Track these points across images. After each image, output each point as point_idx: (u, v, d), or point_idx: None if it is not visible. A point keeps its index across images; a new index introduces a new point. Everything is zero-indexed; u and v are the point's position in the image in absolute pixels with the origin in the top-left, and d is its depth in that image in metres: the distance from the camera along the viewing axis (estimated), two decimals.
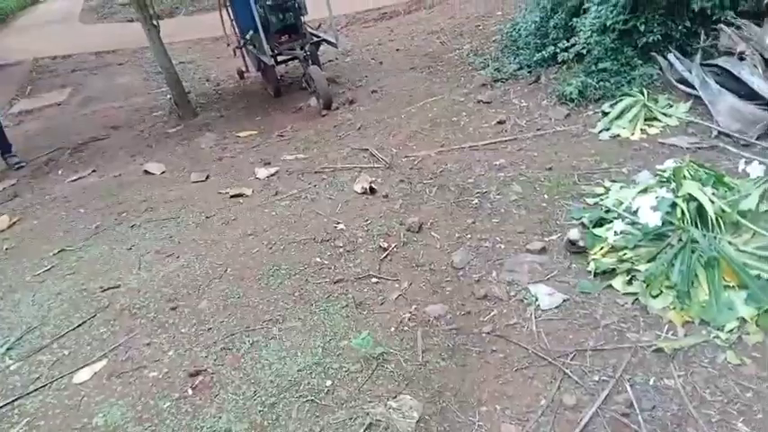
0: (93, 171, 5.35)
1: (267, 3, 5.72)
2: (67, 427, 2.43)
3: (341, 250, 3.34)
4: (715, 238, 2.50)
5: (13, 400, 2.61)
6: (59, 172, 5.58)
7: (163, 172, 4.96)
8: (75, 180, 5.23)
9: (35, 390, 2.66)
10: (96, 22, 14.76)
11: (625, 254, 2.66)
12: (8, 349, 2.93)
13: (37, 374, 2.75)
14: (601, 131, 3.98)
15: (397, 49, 7.33)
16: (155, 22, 6.11)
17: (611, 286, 2.61)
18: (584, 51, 4.49)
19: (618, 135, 3.87)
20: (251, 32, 5.97)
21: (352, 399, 2.34)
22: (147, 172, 4.98)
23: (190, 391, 2.51)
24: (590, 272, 2.72)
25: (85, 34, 13.36)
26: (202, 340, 2.80)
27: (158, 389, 2.55)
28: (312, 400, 2.36)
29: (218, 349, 2.72)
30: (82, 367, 2.75)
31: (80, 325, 3.05)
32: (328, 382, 2.43)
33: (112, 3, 15.80)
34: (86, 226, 4.17)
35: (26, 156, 6.05)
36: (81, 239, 3.98)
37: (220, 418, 2.34)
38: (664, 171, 3.06)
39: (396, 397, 2.31)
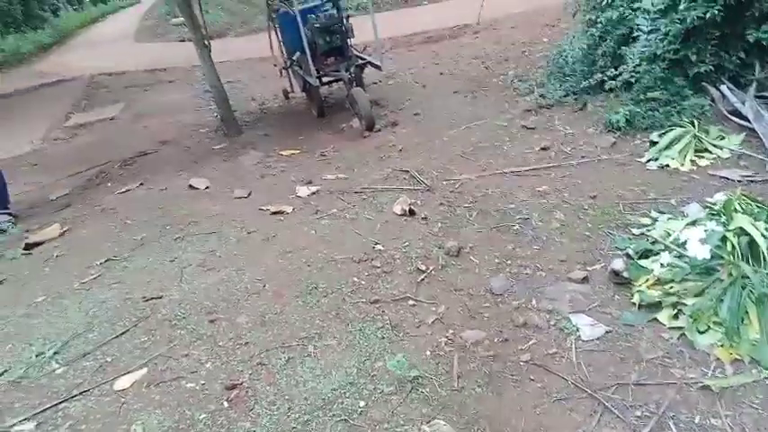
0: (141, 184, 5.52)
1: (315, 26, 5.86)
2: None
3: (378, 271, 3.34)
4: (767, 274, 2.40)
5: (58, 403, 2.68)
6: (109, 184, 5.79)
7: (207, 187, 5.08)
8: (123, 192, 5.40)
9: (79, 394, 2.72)
10: (151, 41, 15.37)
11: (671, 287, 2.58)
12: (55, 353, 3.02)
13: (80, 379, 2.82)
14: (648, 161, 3.90)
15: (441, 73, 7.38)
16: (206, 42, 6.33)
17: (655, 320, 2.53)
18: (633, 80, 4.43)
19: (666, 165, 3.79)
20: (298, 54, 6.12)
21: (385, 421, 2.31)
22: (191, 186, 5.11)
23: (225, 404, 2.53)
24: (634, 304, 2.65)
25: (140, 52, 13.94)
26: (239, 354, 2.83)
27: (195, 400, 2.58)
28: (345, 420, 2.34)
29: (255, 364, 2.74)
30: (123, 375, 2.80)
31: (123, 333, 3.12)
32: (362, 403, 2.41)
33: (167, 23, 16.45)
34: (132, 237, 4.29)
35: (79, 167, 6.30)
36: (127, 250, 4.09)
37: (255, 430, 2.35)
38: (714, 204, 2.97)
39: (429, 422, 2.28)
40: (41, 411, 2.64)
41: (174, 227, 4.36)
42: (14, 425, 2.59)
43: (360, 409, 2.38)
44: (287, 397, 2.51)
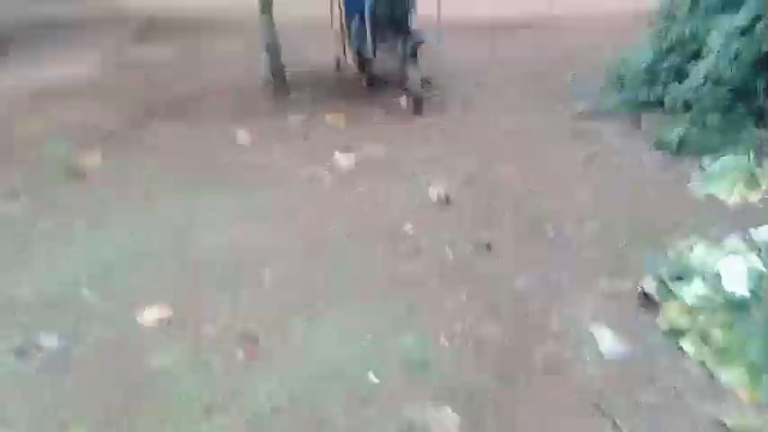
0: (187, 128, 5.59)
1: None
2: (125, 362, 2.57)
3: (404, 251, 3.36)
4: None
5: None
6: (156, 122, 5.86)
7: (250, 141, 5.13)
8: (168, 132, 5.48)
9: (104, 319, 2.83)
10: None
11: (701, 316, 2.54)
12: (87, 279, 3.12)
13: (108, 306, 2.92)
14: (696, 186, 3.81)
15: (498, 63, 7.26)
16: None
17: (680, 347, 2.50)
18: (693, 100, 4.31)
19: (714, 194, 3.70)
20: (356, 18, 6.06)
21: (392, 398, 2.34)
22: (234, 138, 5.15)
23: (240, 355, 2.59)
24: (660, 327, 2.61)
25: None
26: (260, 308, 2.89)
27: (212, 344, 2.65)
28: (353, 389, 2.38)
29: (274, 319, 2.80)
30: (148, 308, 2.89)
31: (154, 269, 3.21)
32: (372, 379, 2.44)
33: None
34: (172, 177, 4.36)
35: (128, 100, 6.40)
36: (166, 189, 4.16)
37: (264, 383, 2.41)
38: (756, 239, 2.89)
39: (436, 406, 2.31)
40: (66, 330, 2.74)
41: (213, 175, 4.43)
42: (40, 338, 2.70)
43: (369, 385, 2.42)
44: (300, 356, 2.57)
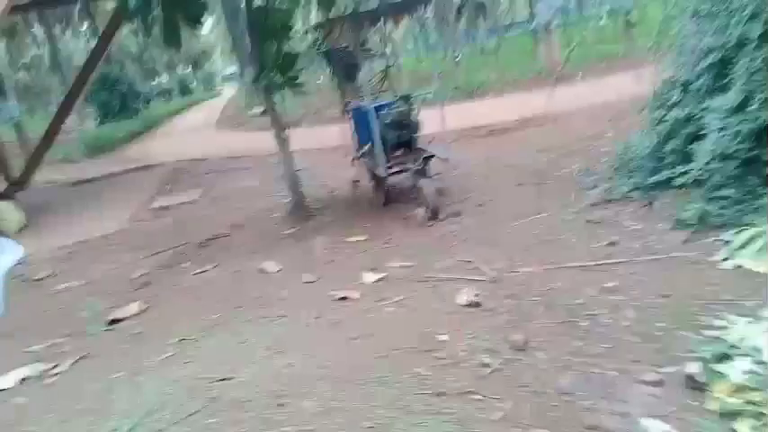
0: (216, 266, 5.81)
1: (386, 121, 6.22)
2: None
3: (443, 363, 3.34)
4: None
5: None
6: (186, 264, 6.11)
7: (278, 270, 5.30)
8: (199, 273, 5.70)
9: None
10: (231, 129, 16.52)
11: (754, 396, 2.46)
12: (130, 429, 3.15)
13: None
14: (723, 260, 3.80)
15: (505, 165, 7.54)
16: (285, 132, 6.80)
17: (734, 430, 2.40)
18: (704, 177, 4.41)
19: (741, 266, 3.68)
20: (368, 145, 6.46)
21: None
22: (262, 270, 5.33)
23: None
24: (710, 411, 2.53)
25: (220, 141, 15.01)
26: None
27: None
28: None
29: None
30: None
31: (194, 414, 3.22)
32: None
33: (245, 114, 17.72)
34: (206, 317, 4.49)
35: (160, 247, 6.71)
36: (201, 330, 4.28)
37: None
38: None
39: None
40: None
41: (245, 309, 4.55)
42: None
43: None
44: None
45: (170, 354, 4.00)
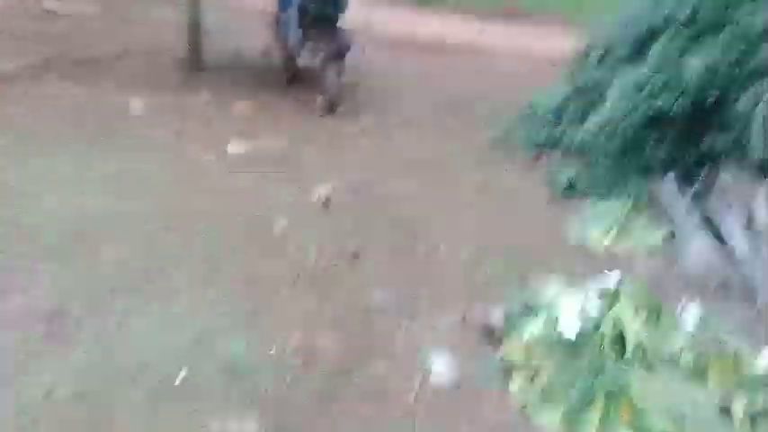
0: (81, 86, 5.21)
1: None
2: None
3: (267, 249, 3.20)
4: (626, 370, 2.35)
5: None
6: (51, 76, 5.43)
7: (142, 114, 4.82)
8: (61, 89, 5.08)
9: None
10: None
11: (535, 354, 2.50)
12: None
13: None
14: (572, 228, 3.85)
15: (423, 86, 7.23)
16: None
17: (507, 384, 2.45)
18: (588, 147, 4.39)
19: (586, 237, 3.74)
20: (285, 13, 5.90)
21: (196, 404, 2.16)
22: (127, 106, 4.84)
23: (41, 329, 2.33)
24: (495, 358, 2.56)
25: None
26: (83, 286, 2.64)
27: (13, 317, 2.37)
28: (156, 389, 2.17)
29: (93, 301, 2.55)
30: None
31: None
32: (182, 375, 2.25)
33: None
34: (43, 135, 4.06)
35: (36, 49, 5.93)
36: (29, 145, 3.84)
37: (53, 371, 2.15)
38: (606, 286, 2.90)
39: (242, 418, 2.13)
40: None
41: (93, 137, 4.13)
42: None
43: (177, 383, 2.22)
44: (107, 346, 2.33)
45: None
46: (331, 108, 5.57)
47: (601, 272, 3.27)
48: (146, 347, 2.35)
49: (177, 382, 2.22)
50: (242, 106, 5.43)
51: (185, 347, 2.39)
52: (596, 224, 3.80)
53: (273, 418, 2.15)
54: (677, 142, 4.23)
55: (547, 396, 2.32)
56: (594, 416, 2.23)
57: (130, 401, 2.11)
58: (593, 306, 2.57)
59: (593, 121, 4.27)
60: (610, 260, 3.52)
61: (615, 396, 2.26)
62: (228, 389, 2.24)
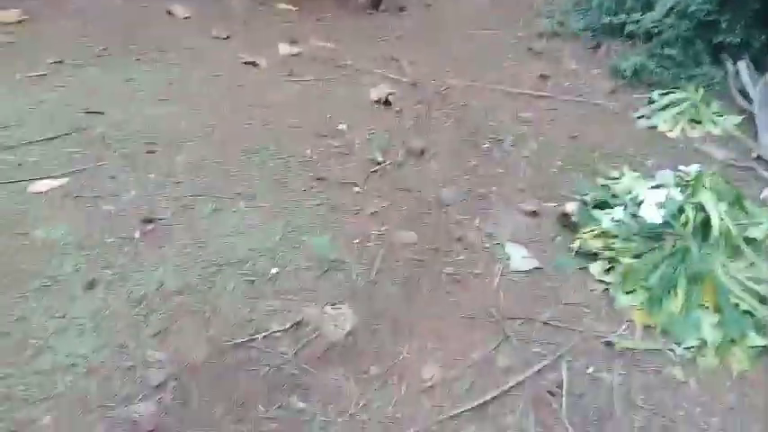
0: None
1: None
2: (7, 231, 2.37)
3: (334, 150, 3.19)
4: (710, 254, 2.35)
5: None
6: None
7: (187, 17, 4.71)
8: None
9: None
10: None
11: (614, 242, 2.52)
12: None
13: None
14: (640, 117, 3.73)
15: None
16: None
17: (587, 269, 2.48)
18: (655, 31, 4.16)
19: (655, 126, 3.63)
20: None
21: (291, 293, 2.26)
22: (170, 12, 4.72)
23: (137, 235, 2.43)
24: (572, 249, 2.58)
25: None
26: (167, 191, 2.70)
27: (107, 223, 2.47)
28: (253, 281, 2.28)
29: (179, 205, 2.62)
30: (41, 179, 2.66)
31: (53, 138, 2.94)
32: (274, 270, 2.34)
33: None
34: (92, 46, 3.99)
35: None
36: (82, 57, 3.82)
37: (157, 268, 2.27)
38: (685, 174, 2.85)
39: (335, 305, 2.24)
40: None
41: (139, 47, 4.07)
42: None
43: (270, 276, 2.32)
44: (202, 245, 2.42)
45: (42, 73, 3.57)
46: (375, 4, 5.35)
47: (675, 160, 3.23)
48: (236, 246, 2.43)
49: (270, 275, 2.32)
50: (285, 6, 5.25)
51: (273, 244, 2.46)
52: (666, 112, 3.67)
53: (366, 304, 2.24)
54: (751, 25, 3.97)
55: (629, 280, 2.35)
56: (678, 298, 2.26)
57: (231, 292, 2.22)
58: (675, 194, 2.54)
59: (664, 4, 4.00)
60: (684, 148, 3.44)
61: (699, 279, 2.28)
62: (319, 280, 2.34)
